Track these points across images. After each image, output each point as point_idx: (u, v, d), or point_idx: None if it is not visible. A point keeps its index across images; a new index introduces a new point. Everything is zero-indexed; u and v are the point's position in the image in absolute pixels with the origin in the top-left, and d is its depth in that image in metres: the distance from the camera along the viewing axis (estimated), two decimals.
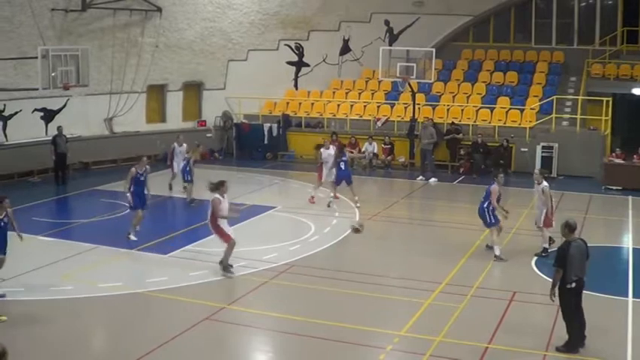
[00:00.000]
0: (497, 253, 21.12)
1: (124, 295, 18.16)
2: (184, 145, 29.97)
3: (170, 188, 29.79)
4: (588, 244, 14.79)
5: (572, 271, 14.35)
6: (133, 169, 23.22)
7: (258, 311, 17.30)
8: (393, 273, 20.06)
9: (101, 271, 20.07)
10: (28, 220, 23.48)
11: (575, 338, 14.65)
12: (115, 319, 16.95)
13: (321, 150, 29.30)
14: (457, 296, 17.74)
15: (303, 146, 39.03)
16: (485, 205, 21.75)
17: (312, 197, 28.58)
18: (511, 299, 17.52)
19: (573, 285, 14.43)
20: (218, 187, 19.70)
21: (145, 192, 23.48)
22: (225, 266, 19.65)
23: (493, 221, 21.62)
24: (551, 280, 14.86)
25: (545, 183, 21.79)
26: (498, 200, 21.72)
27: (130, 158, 36.44)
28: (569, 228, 14.72)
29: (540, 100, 37.13)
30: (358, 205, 27.47)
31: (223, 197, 19.61)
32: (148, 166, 23.89)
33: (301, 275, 19.57)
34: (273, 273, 19.66)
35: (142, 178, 23.45)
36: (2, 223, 17.65)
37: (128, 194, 23.13)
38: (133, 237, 22.76)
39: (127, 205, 23.95)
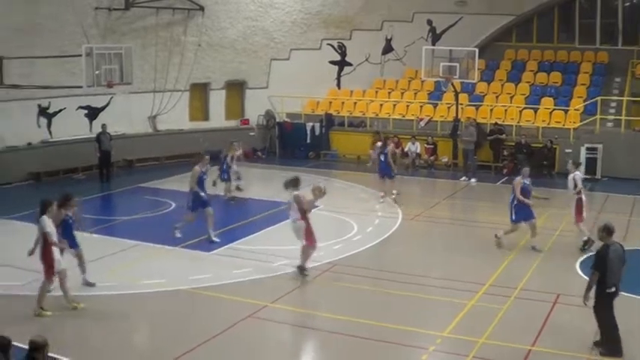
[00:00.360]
0: (537, 247, 21.81)
1: (167, 292, 18.32)
2: (240, 149, 29.92)
3: (238, 188, 29.76)
4: (629, 248, 14.61)
5: (612, 275, 14.09)
6: (197, 168, 22.83)
7: (301, 310, 17.39)
8: (435, 273, 20.03)
9: (144, 267, 20.25)
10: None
11: (618, 342, 14.35)
12: (158, 315, 17.09)
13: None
14: (500, 297, 17.66)
15: (345, 145, 39.06)
16: (510, 200, 22.06)
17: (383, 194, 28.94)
18: (555, 301, 17.40)
19: (613, 289, 14.19)
20: (296, 184, 19.79)
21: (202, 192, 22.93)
22: (303, 269, 19.56)
23: (514, 218, 21.96)
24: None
25: (577, 172, 22.04)
26: (528, 193, 21.82)
27: (173, 156, 36.83)
28: (607, 231, 14.42)
29: (584, 101, 36.79)
30: (393, 196, 27.85)
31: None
32: (209, 165, 23.65)
33: (344, 274, 19.59)
34: (316, 272, 19.68)
35: (205, 177, 23.12)
36: (71, 220, 18.03)
37: (190, 195, 22.75)
38: (214, 238, 22.60)
39: (172, 203, 24.07)
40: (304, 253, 19.52)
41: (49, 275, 16.58)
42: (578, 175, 22.18)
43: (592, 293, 14.25)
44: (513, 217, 22.02)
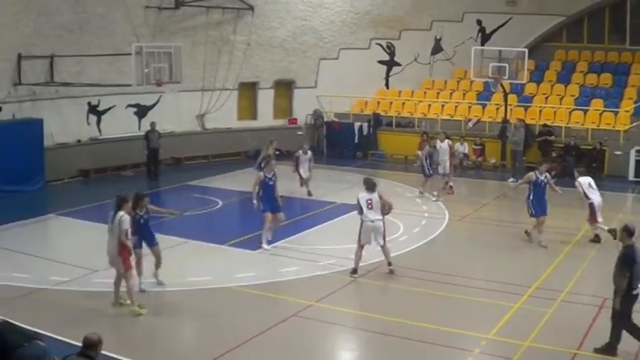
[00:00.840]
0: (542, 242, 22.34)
1: (213, 290, 18.42)
2: (309, 152, 29.97)
3: (309, 194, 29.66)
4: None
5: (638, 275, 14.01)
6: (261, 174, 22.32)
7: (346, 309, 17.40)
8: (481, 275, 19.96)
9: (191, 265, 20.39)
10: None
11: (617, 342, 14.44)
12: (203, 313, 17.22)
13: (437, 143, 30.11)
14: (546, 300, 17.55)
15: (393, 146, 38.99)
16: (526, 196, 23.11)
17: (450, 188, 30.16)
18: (601, 305, 17.22)
19: (638, 291, 14.12)
20: (375, 186, 20.00)
21: (275, 195, 22.38)
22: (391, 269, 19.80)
23: (533, 213, 22.75)
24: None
25: (579, 178, 23.07)
26: (541, 190, 22.88)
27: (220, 154, 37.03)
28: (627, 232, 14.37)
29: (635, 103, 36.37)
30: (434, 198, 28.44)
31: None
32: (275, 170, 22.79)
33: (389, 275, 19.56)
34: (361, 272, 19.66)
35: (271, 183, 22.30)
36: (143, 220, 18.17)
37: (254, 200, 22.15)
38: (265, 246, 22.01)
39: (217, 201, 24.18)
40: (386, 252, 19.81)
41: (127, 269, 16.64)
42: (581, 180, 22.91)
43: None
44: (533, 212, 22.69)
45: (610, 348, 14.47)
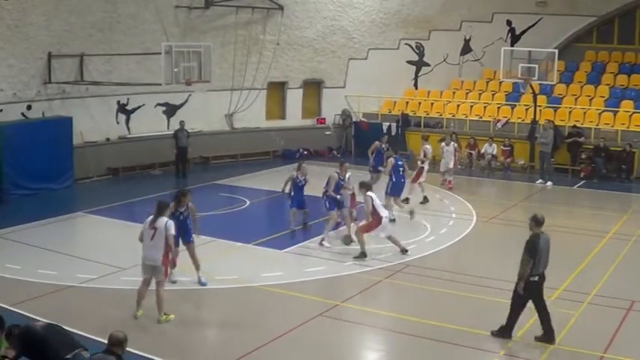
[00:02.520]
0: None
1: (239, 289, 18.50)
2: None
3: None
4: None
5: (539, 264, 14.94)
6: (335, 175, 23.44)
7: (372, 310, 17.40)
8: (508, 276, 19.71)
9: (218, 264, 20.43)
10: (149, 212, 23.98)
11: (511, 325, 15.21)
12: (230, 311, 17.31)
13: (442, 144, 30.89)
14: (573, 303, 17.49)
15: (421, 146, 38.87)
16: None
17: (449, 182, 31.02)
18: (629, 308, 17.16)
19: (536, 278, 14.98)
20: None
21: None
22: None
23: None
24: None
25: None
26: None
27: (249, 154, 37.11)
28: (536, 221, 15.31)
29: None
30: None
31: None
32: (348, 172, 24.19)
33: (416, 275, 19.57)
34: (388, 272, 19.71)
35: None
36: (182, 217, 18.39)
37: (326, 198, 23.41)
38: (326, 244, 22.37)
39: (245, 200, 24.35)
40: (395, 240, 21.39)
41: (166, 276, 16.66)
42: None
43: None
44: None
45: (504, 332, 15.30)
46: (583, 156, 34.79)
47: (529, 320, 16.20)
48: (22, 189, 28.37)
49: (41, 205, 26.89)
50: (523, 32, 41.50)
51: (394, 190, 25.50)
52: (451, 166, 30.96)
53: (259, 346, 14.74)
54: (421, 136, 32.22)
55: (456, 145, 31.10)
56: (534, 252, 14.86)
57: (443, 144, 30.70)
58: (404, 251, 21.09)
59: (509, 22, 41.81)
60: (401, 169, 25.50)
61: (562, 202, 30.36)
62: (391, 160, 25.87)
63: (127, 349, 10.88)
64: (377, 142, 29.77)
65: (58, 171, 29.86)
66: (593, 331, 15.85)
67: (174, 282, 18.24)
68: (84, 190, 30.42)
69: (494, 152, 36.05)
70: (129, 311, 16.38)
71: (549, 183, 32.49)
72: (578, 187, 32.64)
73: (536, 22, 41.18)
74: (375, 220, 20.81)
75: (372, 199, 20.82)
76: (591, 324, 16.32)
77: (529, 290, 14.96)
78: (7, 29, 28.87)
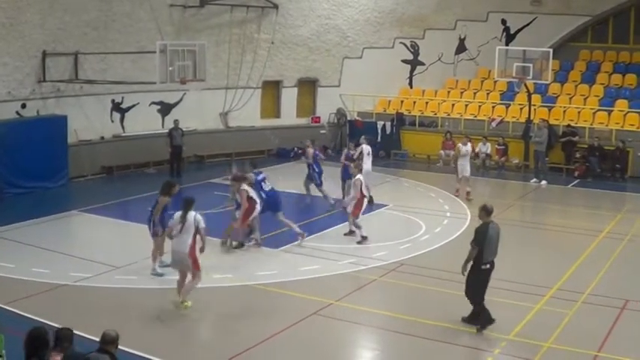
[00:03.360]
0: None
1: (234, 287, 18.52)
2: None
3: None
4: None
5: (488, 252, 15.42)
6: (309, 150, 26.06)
7: (366, 308, 17.38)
8: (502, 275, 19.73)
9: (213, 262, 20.36)
10: (143, 211, 23.92)
11: (483, 313, 15.68)
12: (225, 310, 17.31)
13: (459, 145, 29.62)
14: (568, 302, 17.50)
15: (416, 145, 38.94)
16: None
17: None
18: (623, 307, 17.18)
19: (487, 266, 15.53)
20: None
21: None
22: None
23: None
24: None
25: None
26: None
27: (243, 152, 37.09)
28: (485, 211, 15.83)
29: None
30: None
31: None
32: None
33: (410, 274, 19.57)
34: (383, 271, 19.72)
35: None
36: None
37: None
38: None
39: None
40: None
41: (199, 268, 16.92)
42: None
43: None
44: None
45: (474, 317, 15.87)
46: (577, 155, 34.84)
47: (523, 319, 16.27)
48: (16, 187, 28.32)
49: (35, 204, 26.86)
50: (518, 31, 41.51)
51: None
52: (468, 173, 29.44)
53: (254, 344, 14.73)
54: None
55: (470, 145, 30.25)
56: (481, 241, 15.38)
57: (460, 144, 29.67)
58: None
59: (504, 22, 41.83)
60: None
61: (556, 201, 30.40)
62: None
63: (121, 347, 10.87)
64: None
65: (52, 170, 29.81)
66: (587, 330, 15.85)
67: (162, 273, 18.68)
68: (78, 189, 30.38)
69: (489, 151, 36.06)
70: (122, 309, 16.40)
71: (544, 182, 32.53)
72: (573, 186, 32.68)
73: (530, 22, 41.21)
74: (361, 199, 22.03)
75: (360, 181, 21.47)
76: (585, 323, 16.32)
77: (482, 278, 15.58)
78: (1, 27, 28.81)
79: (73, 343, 10.60)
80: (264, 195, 22.00)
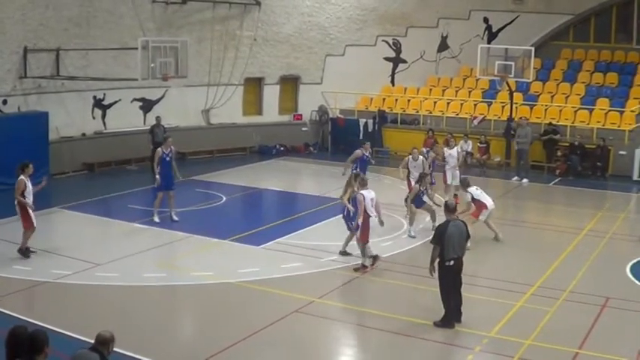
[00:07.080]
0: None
1: (215, 285, 18.47)
2: (420, 158, 26.72)
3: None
4: None
5: (451, 249, 15.54)
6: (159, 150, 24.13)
7: (348, 306, 17.42)
8: (483, 273, 19.92)
9: (194, 260, 20.41)
10: (125, 208, 24.05)
11: (451, 314, 15.75)
12: (206, 307, 17.27)
13: (444, 149, 28.63)
14: (549, 299, 17.55)
15: (398, 143, 38.88)
16: None
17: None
18: (604, 305, 17.25)
19: (452, 263, 15.56)
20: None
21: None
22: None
23: None
24: None
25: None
26: None
27: (225, 149, 37.06)
28: (447, 208, 16.21)
29: None
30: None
31: None
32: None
33: (391, 272, 19.60)
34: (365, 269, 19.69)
35: (168, 159, 24.13)
36: (168, 157, 22.39)
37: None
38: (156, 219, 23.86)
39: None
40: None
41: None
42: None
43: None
44: None
45: (446, 321, 15.78)
46: (559, 153, 34.93)
47: (504, 316, 16.30)
48: None
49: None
50: (500, 30, 41.60)
51: None
52: (457, 181, 27.42)
53: (235, 342, 14.70)
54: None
55: (459, 148, 29.43)
56: (439, 238, 15.63)
57: (445, 148, 28.56)
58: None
59: (486, 20, 41.91)
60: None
61: (537, 199, 30.56)
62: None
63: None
64: (358, 151, 27.00)
65: (33, 166, 29.60)
66: (569, 327, 15.89)
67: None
68: (59, 186, 30.18)
69: (470, 149, 36.06)
70: (103, 306, 16.36)
71: (525, 180, 32.63)
72: (554, 184, 32.76)
73: (513, 20, 41.29)
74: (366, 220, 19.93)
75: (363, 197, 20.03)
76: (566, 320, 16.37)
77: (448, 275, 15.67)
78: None
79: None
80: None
